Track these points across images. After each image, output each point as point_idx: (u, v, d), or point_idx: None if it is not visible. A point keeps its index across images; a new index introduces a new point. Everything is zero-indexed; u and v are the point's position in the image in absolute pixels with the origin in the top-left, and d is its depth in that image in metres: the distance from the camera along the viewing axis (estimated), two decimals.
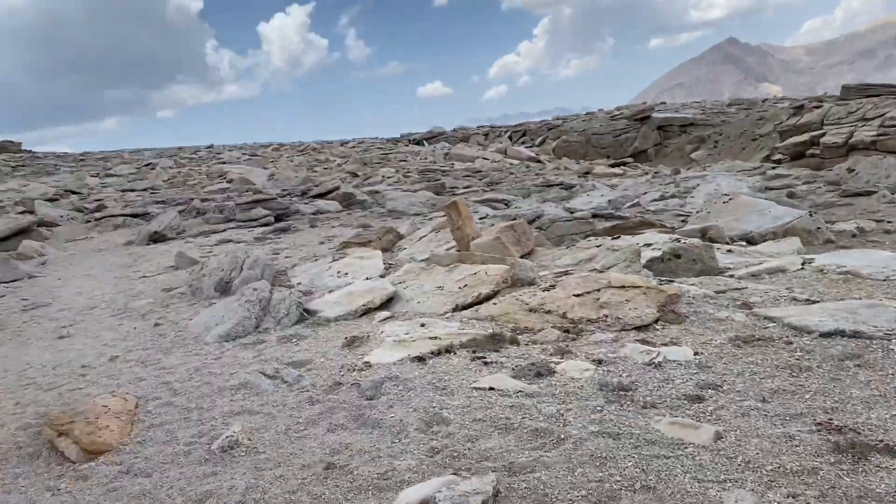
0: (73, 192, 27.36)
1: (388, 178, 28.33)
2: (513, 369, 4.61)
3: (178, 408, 4.64)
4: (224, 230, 14.66)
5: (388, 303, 6.39)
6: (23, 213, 19.07)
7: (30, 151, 60.50)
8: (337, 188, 18.86)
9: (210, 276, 8.09)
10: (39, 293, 9.67)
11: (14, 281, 10.84)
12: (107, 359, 6.00)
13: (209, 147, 53.38)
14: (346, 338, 5.60)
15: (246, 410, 4.46)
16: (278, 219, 15.50)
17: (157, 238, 13.72)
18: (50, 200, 23.64)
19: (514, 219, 9.81)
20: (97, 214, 18.19)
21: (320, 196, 18.72)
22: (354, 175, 29.94)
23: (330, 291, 7.20)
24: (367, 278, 7.42)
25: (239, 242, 12.72)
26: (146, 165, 42.19)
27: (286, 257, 10.19)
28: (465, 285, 6.26)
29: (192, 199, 18.92)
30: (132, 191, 27.12)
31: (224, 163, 40.81)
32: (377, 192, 21.16)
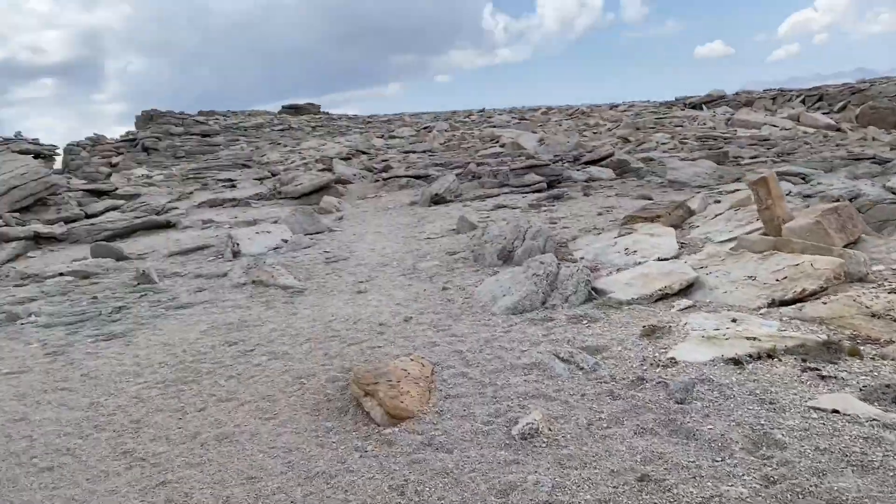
0: (363, 153, 29.92)
1: (663, 144, 26.80)
2: (860, 389, 3.81)
3: (472, 381, 4.57)
4: (498, 195, 14.84)
5: (687, 289, 5.79)
6: (323, 170, 21.22)
7: (326, 113, 67.63)
8: (610, 154, 18.17)
9: (492, 244, 8.08)
10: (338, 247, 10.53)
11: (317, 233, 11.96)
12: (401, 319, 6.21)
13: (481, 111, 55.17)
14: (643, 326, 5.13)
15: (541, 394, 4.24)
16: (550, 185, 15.32)
17: (437, 200, 14.30)
18: (344, 159, 26.08)
19: (837, 200, 8.46)
20: (384, 174, 19.56)
21: (592, 163, 18.18)
22: (626, 140, 28.83)
23: (618, 270, 6.76)
24: (659, 258, 6.84)
25: (514, 208, 12.76)
26: (424, 128, 44.80)
27: (564, 227, 9.92)
28: (785, 277, 5.42)
29: (468, 162, 19.52)
30: (413, 152, 28.89)
31: (494, 126, 41.89)
32: (651, 159, 20.07)
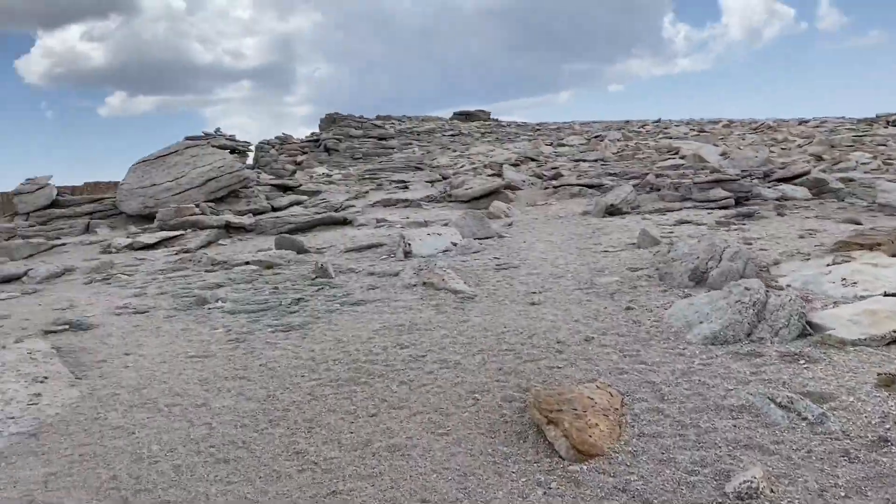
0: (532, 159, 29.58)
1: (864, 164, 24.06)
2: None
3: (670, 419, 4.01)
4: (680, 209, 13.86)
5: None
6: (492, 175, 21.10)
7: (496, 120, 68.19)
8: (806, 172, 16.44)
9: (682, 262, 7.36)
10: (509, 254, 10.21)
11: (486, 238, 11.73)
12: (581, 338, 5.74)
13: (656, 121, 52.98)
14: (879, 374, 4.29)
15: (756, 445, 3.60)
16: (738, 202, 14.07)
17: (612, 211, 13.60)
18: (513, 165, 25.87)
19: None
20: (554, 182, 19.06)
21: (785, 180, 16.55)
22: (819, 158, 26.22)
23: (835, 304, 5.85)
24: (886, 293, 5.83)
25: (699, 224, 11.79)
26: (595, 137, 43.71)
27: (761, 249, 8.92)
28: None
29: (646, 173, 18.54)
30: (583, 161, 28.12)
31: (670, 138, 39.98)
32: (852, 179, 17.99)
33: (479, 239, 11.49)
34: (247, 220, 15.59)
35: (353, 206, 17.66)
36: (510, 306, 7.12)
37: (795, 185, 16.16)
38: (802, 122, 49.46)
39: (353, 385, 5.10)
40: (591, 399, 4.05)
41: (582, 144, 39.95)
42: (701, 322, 5.47)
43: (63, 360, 6.32)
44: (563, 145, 40.52)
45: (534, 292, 7.63)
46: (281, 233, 13.97)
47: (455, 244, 10.82)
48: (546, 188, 18.80)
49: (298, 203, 18.51)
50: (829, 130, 38.26)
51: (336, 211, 16.43)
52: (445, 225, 12.45)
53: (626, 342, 5.51)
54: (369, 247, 11.50)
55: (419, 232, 11.49)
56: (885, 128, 40.80)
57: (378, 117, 66.55)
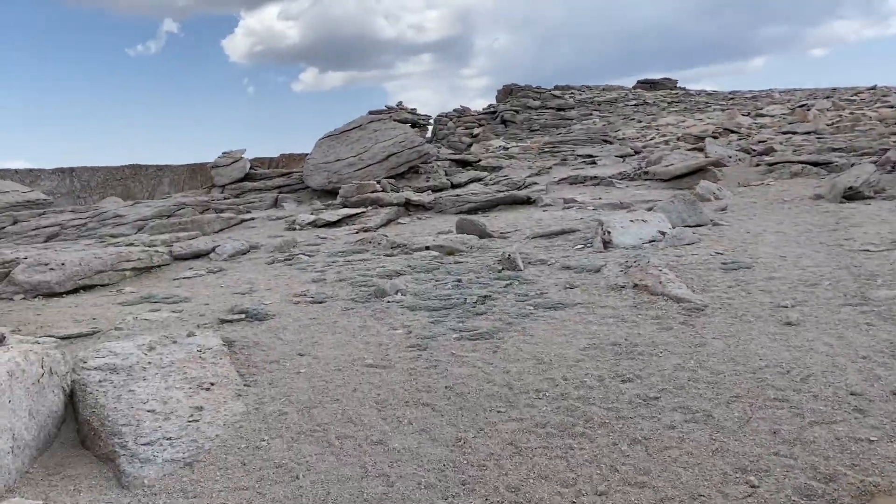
0: (731, 131, 26.50)
1: None
2: None
3: None
4: None
5: None
6: (692, 150, 18.82)
7: (683, 88, 63.60)
8: None
9: None
10: (733, 248, 8.42)
11: (698, 226, 9.95)
12: (888, 389, 4.06)
13: (871, 88, 46.29)
14: None
15: None
16: None
17: (851, 195, 11.18)
18: (712, 138, 23.18)
19: None
20: (767, 158, 16.50)
21: None
22: None
23: None
24: None
25: None
26: (800, 106, 38.92)
27: None
28: None
29: (886, 149, 15.44)
30: (793, 133, 24.69)
31: (892, 107, 34.48)
32: None
33: (689, 227, 9.73)
34: (426, 197, 14.83)
35: (535, 183, 16.33)
36: (757, 325, 5.50)
37: None
38: None
39: (568, 437, 3.85)
40: None
41: (785, 115, 35.62)
42: None
43: (234, 359, 5.67)
44: (763, 115, 36.39)
45: (783, 306, 5.92)
46: (461, 212, 13.02)
47: (663, 233, 9.18)
48: (757, 164, 16.30)
49: (478, 180, 17.53)
50: None
51: (518, 189, 15.21)
52: (650, 209, 10.78)
53: None
54: (560, 233, 10.16)
55: (619, 217, 9.93)
56: None
57: (557, 87, 64.63)
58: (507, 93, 62.02)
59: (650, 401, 4.20)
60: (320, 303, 7.44)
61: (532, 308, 6.55)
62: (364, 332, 6.25)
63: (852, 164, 13.74)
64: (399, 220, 13.56)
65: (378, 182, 15.68)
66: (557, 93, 60.27)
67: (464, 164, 20.45)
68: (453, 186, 16.93)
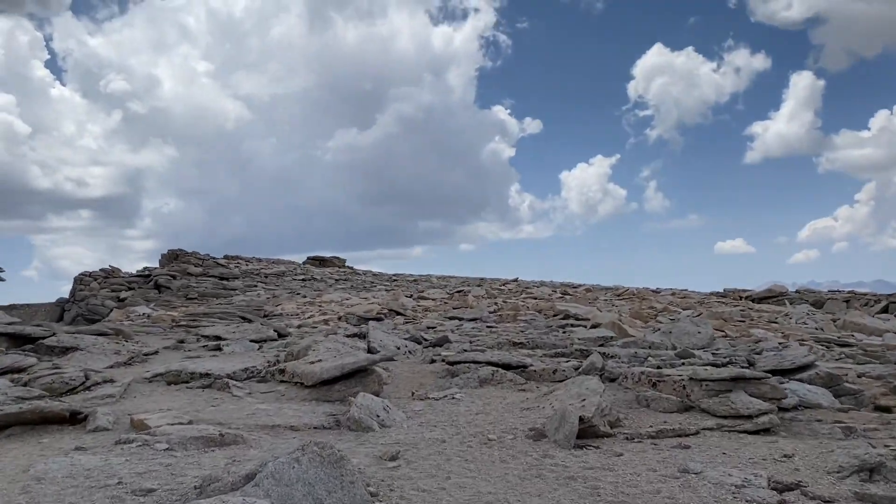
0: (397, 313, 22.68)
1: (781, 344, 19.52)
2: None
3: None
4: (696, 431, 7.28)
5: None
6: (352, 335, 13.79)
7: (350, 267, 61.86)
8: (810, 364, 10.73)
9: None
10: None
11: None
12: None
13: (514, 280, 48.71)
14: None
15: None
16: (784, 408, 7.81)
17: (586, 430, 6.75)
18: (376, 319, 18.75)
19: None
20: (445, 353, 12.07)
21: (781, 373, 10.71)
22: (723, 334, 21.60)
23: None
24: None
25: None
26: (458, 291, 38.11)
27: None
28: None
29: (586, 350, 12.07)
30: (458, 319, 21.63)
31: (535, 298, 35.02)
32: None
33: None
34: None
35: (112, 381, 9.56)
36: None
37: (802, 380, 10.32)
38: (655, 291, 47.04)
39: None
40: None
41: (445, 299, 33.90)
42: None
43: None
44: (425, 298, 34.30)
45: None
46: None
47: None
48: (433, 361, 11.78)
49: (17, 371, 10.10)
50: (697, 302, 34.97)
51: (65, 394, 8.33)
52: (252, 481, 4.77)
53: None
54: None
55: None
56: (741, 301, 38.43)
57: (226, 257, 58.51)
58: (171, 257, 54.50)
59: None
60: None
61: None
62: None
63: (554, 371, 9.78)
64: None
65: None
66: (223, 261, 53.92)
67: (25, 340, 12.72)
68: None
